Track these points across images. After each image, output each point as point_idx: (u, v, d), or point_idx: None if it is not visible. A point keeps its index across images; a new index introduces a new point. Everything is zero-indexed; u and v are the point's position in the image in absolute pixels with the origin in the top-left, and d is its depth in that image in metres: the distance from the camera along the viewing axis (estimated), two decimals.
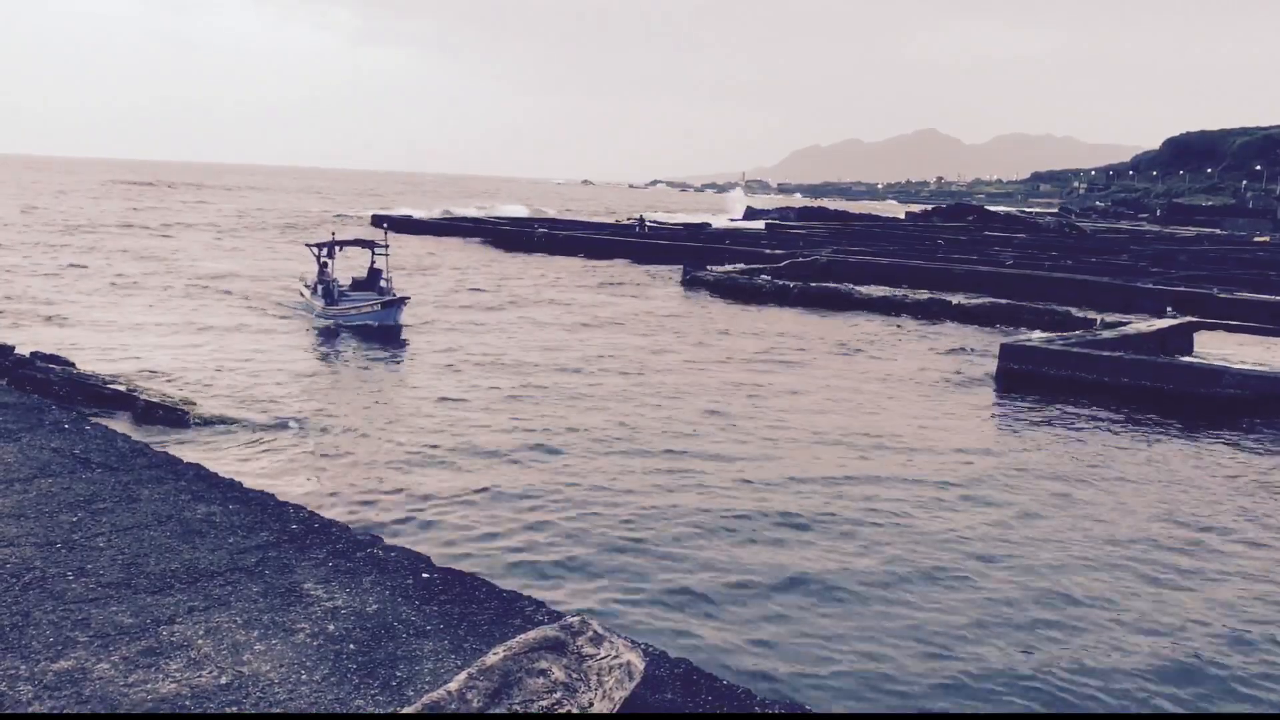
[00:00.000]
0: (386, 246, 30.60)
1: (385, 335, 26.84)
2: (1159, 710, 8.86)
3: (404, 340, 26.58)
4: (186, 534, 6.79)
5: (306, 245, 33.04)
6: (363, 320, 27.62)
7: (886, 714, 8.60)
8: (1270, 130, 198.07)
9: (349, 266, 34.60)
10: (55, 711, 4.53)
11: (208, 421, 16.80)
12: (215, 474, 8.43)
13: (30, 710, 4.53)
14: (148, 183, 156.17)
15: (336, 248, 30.55)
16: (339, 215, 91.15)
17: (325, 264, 30.32)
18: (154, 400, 17.00)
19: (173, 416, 16.61)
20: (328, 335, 27.65)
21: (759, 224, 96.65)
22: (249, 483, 8.47)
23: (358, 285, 30.32)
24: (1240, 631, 10.48)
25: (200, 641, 5.24)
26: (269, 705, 4.65)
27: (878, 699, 8.78)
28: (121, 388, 17.43)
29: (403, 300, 28.11)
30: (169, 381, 19.65)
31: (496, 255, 56.96)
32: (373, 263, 31.14)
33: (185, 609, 5.62)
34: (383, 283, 30.01)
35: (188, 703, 4.64)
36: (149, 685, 4.77)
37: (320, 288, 29.66)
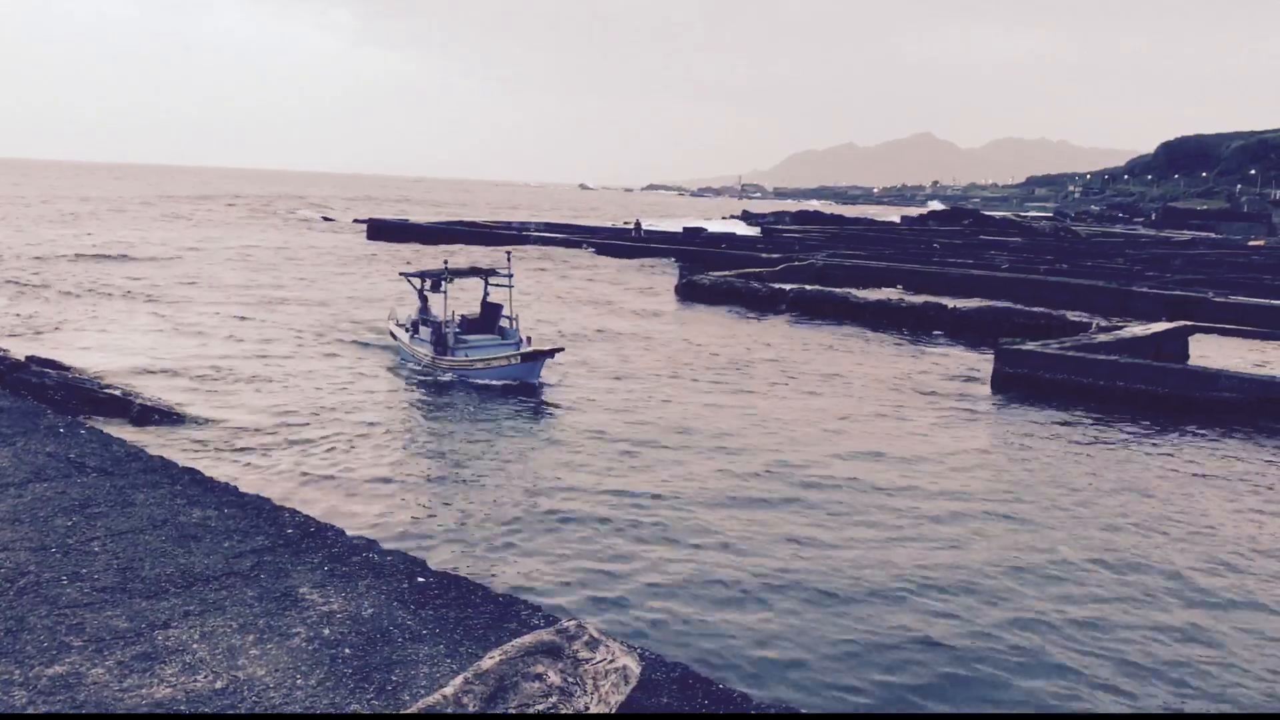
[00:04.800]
0: (509, 275, 24.02)
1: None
2: (1158, 710, 8.86)
3: (542, 400, 20.69)
4: (181, 538, 6.78)
5: (403, 275, 26.36)
6: (494, 378, 21.67)
7: (882, 714, 8.60)
8: (1265, 134, 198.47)
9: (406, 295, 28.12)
10: (52, 713, 4.52)
11: (204, 425, 16.78)
12: (211, 478, 8.42)
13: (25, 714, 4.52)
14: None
15: (445, 279, 23.65)
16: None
17: (425, 297, 24.60)
18: (149, 404, 16.98)
19: (168, 419, 16.60)
20: (351, 349, 25.06)
21: (754, 228, 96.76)
22: (245, 487, 8.47)
23: (470, 326, 23.76)
24: (1235, 629, 10.50)
25: (195, 646, 5.23)
26: (264, 709, 4.65)
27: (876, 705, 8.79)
28: (116, 391, 17.40)
29: (550, 353, 22.21)
30: (175, 378, 19.64)
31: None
32: (486, 295, 25.10)
33: (180, 613, 5.61)
34: (504, 322, 23.94)
35: (182, 707, 4.63)
36: (144, 690, 4.76)
37: (430, 330, 23.24)
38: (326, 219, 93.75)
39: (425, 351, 23.03)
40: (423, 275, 24.76)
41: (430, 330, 23.21)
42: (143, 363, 21.99)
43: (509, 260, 24.61)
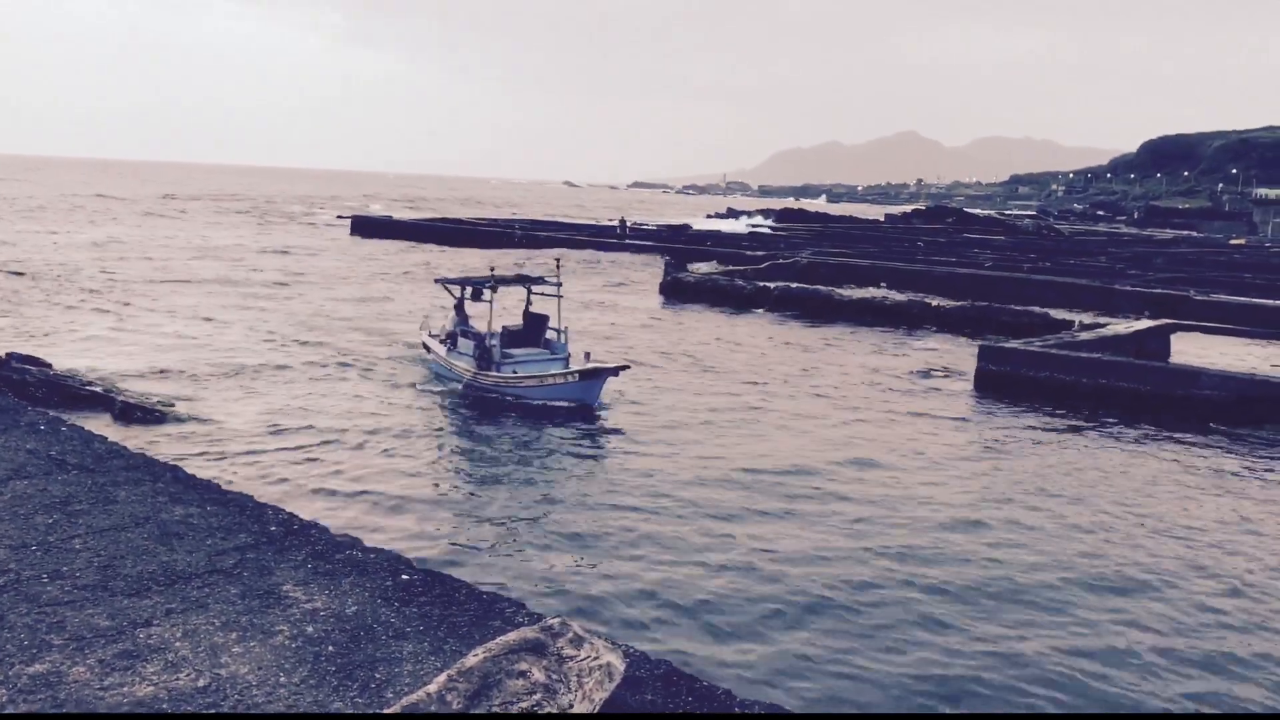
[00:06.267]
0: (559, 284, 21.66)
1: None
2: (1158, 710, 8.91)
3: (597, 418, 18.98)
4: (164, 536, 6.74)
5: (439, 282, 24.22)
6: (547, 397, 19.47)
7: (867, 714, 8.63)
8: (1245, 134, 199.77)
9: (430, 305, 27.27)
10: (32, 712, 4.50)
11: (187, 423, 16.70)
12: (193, 475, 8.37)
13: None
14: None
15: (488, 288, 21.29)
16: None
17: (462, 306, 22.60)
18: (131, 401, 16.89)
19: (151, 417, 16.51)
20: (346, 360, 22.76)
21: (740, 225, 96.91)
22: (227, 484, 8.43)
23: (512, 338, 21.34)
24: (1211, 636, 10.57)
25: (178, 644, 5.20)
26: (247, 707, 4.63)
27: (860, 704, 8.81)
28: (99, 388, 17.30)
29: (614, 371, 19.70)
30: (160, 377, 19.52)
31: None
32: (528, 304, 22.76)
33: (163, 611, 5.57)
34: (552, 334, 21.67)
35: (165, 705, 4.61)
36: (125, 688, 4.74)
37: (474, 344, 20.83)
38: (334, 216, 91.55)
39: (465, 366, 20.84)
40: (463, 282, 22.87)
41: (475, 344, 20.83)
42: (127, 361, 21.86)
43: (558, 267, 22.85)
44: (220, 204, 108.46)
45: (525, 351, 20.98)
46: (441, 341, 22.31)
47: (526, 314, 22.56)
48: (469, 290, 22.40)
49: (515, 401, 19.66)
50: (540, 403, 19.36)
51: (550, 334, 21.69)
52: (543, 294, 22.29)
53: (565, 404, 19.25)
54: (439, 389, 20.73)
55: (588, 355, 20.24)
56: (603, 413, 19.32)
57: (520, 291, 23.25)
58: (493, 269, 22.71)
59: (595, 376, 19.34)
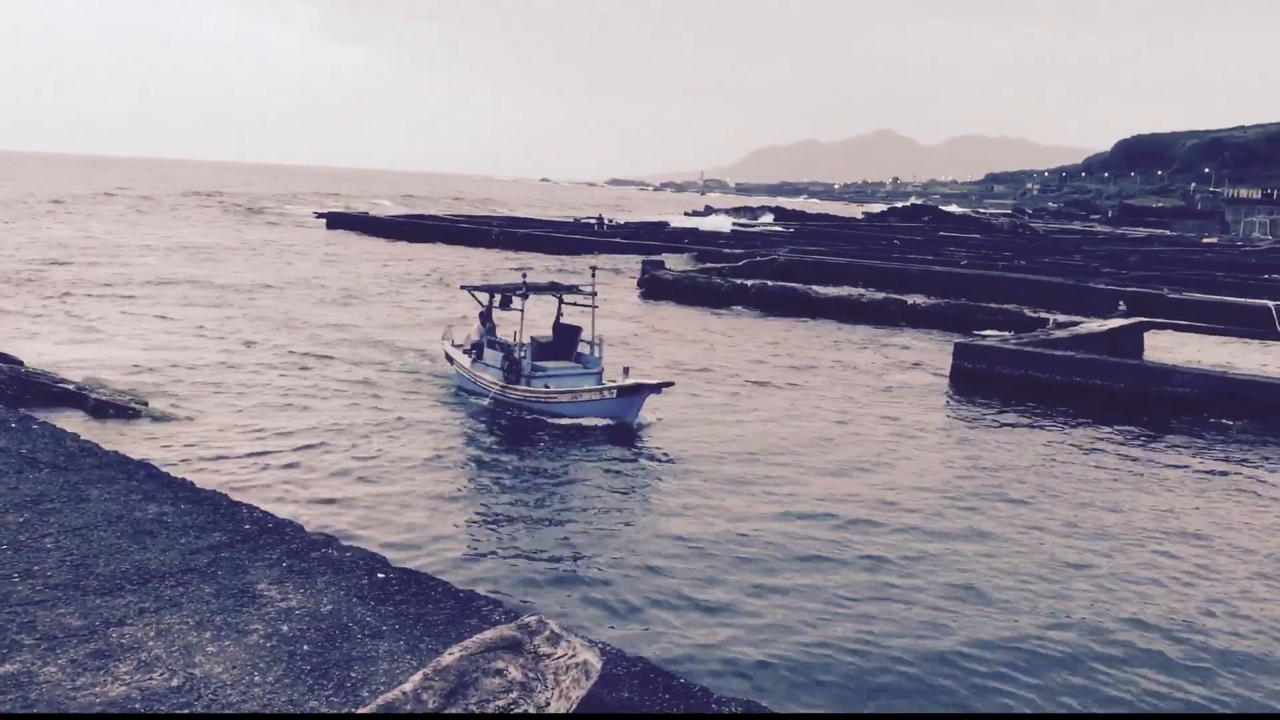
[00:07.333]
0: (593, 294, 20.45)
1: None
2: (1157, 711, 8.96)
3: (638, 437, 17.73)
4: (137, 534, 6.69)
5: (466, 289, 23.20)
6: (582, 414, 18.37)
7: (849, 714, 8.66)
8: (1218, 134, 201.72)
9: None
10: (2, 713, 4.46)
11: (160, 420, 16.57)
12: (167, 473, 8.32)
13: None
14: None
15: (518, 295, 20.20)
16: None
17: (489, 315, 21.11)
18: (104, 398, 16.74)
19: (124, 414, 16.38)
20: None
21: (722, 223, 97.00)
22: (202, 482, 8.37)
23: (542, 350, 20.01)
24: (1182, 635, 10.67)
25: (151, 643, 5.16)
26: (221, 707, 4.60)
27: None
28: (71, 385, 17.14)
29: (656, 388, 18.51)
30: (135, 374, 19.35)
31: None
32: (559, 315, 21.33)
33: (135, 610, 5.53)
34: (585, 347, 20.25)
35: (137, 705, 4.57)
36: (97, 688, 4.70)
37: (502, 355, 19.54)
38: (319, 214, 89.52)
39: (491, 378, 19.62)
40: (491, 289, 21.55)
41: (503, 354, 19.53)
42: (100, 359, 21.67)
43: (593, 276, 21.11)
44: (202, 199, 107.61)
45: (557, 365, 19.71)
46: (466, 352, 20.95)
47: (557, 325, 21.16)
48: (497, 298, 20.86)
49: (545, 418, 18.49)
50: (573, 420, 18.28)
51: (583, 347, 20.31)
52: (575, 304, 21.09)
53: (602, 421, 18.13)
54: (451, 399, 20.15)
55: (626, 370, 18.93)
56: (640, 430, 18.08)
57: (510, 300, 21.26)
58: (524, 275, 21.26)
59: (635, 393, 18.13)
